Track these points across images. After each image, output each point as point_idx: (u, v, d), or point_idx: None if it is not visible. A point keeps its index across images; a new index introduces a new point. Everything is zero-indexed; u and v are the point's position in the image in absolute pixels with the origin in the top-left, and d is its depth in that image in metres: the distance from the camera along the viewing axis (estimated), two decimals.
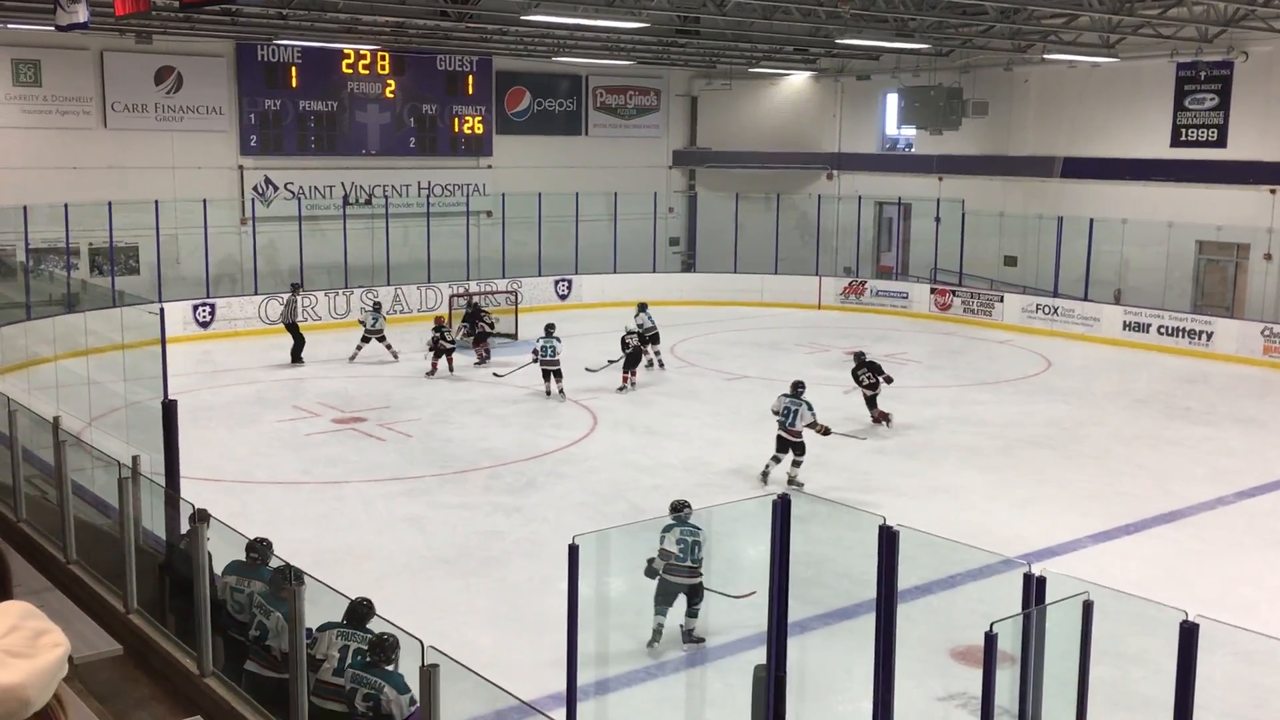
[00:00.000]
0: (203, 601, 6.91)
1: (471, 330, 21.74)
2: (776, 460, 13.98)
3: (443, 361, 20.36)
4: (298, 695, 5.98)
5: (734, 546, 11.45)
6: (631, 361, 19.40)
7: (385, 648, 6.54)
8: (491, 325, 22.17)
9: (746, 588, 9.96)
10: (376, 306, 21.96)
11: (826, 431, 14.13)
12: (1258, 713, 8.62)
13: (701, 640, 9.56)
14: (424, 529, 12.53)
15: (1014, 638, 4.96)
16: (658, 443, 16.02)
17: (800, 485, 13.77)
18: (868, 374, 17.03)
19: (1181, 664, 4.42)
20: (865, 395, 16.99)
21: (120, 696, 6.74)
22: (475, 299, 23.52)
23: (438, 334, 20.44)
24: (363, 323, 21.77)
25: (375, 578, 10.83)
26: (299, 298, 21.99)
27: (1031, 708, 5.07)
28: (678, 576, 9.40)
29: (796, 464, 13.87)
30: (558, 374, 18.63)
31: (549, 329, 18.99)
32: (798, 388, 14.31)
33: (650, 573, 9.38)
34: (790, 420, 13.77)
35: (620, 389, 19.15)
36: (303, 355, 21.12)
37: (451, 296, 24.55)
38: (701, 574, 9.43)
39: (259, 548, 7.77)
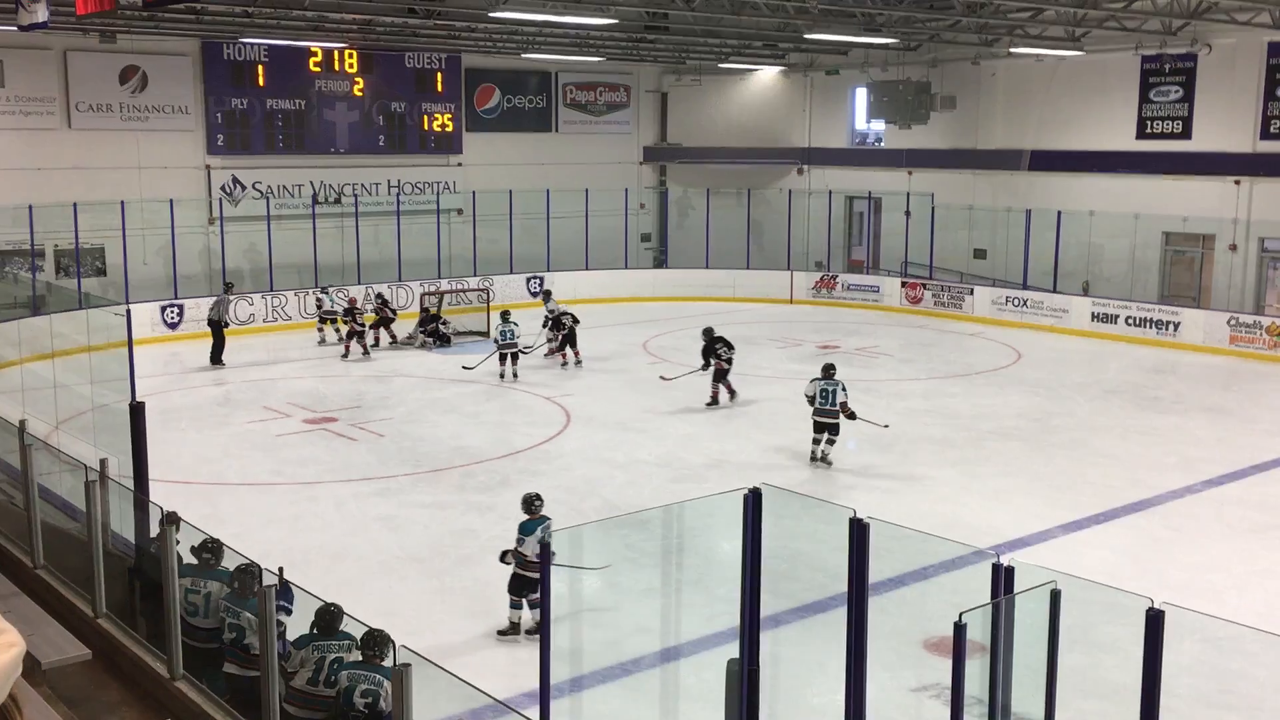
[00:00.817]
0: (173, 605, 6.87)
1: (378, 318, 22.74)
2: (817, 441, 14.69)
3: (355, 344, 21.71)
4: (269, 694, 5.95)
5: (708, 541, 11.48)
6: (570, 340, 20.82)
7: (379, 643, 6.62)
8: (394, 314, 23.18)
9: (602, 561, 10.62)
10: (325, 289, 23.28)
11: (852, 416, 14.66)
12: (1225, 698, 8.71)
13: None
14: (397, 529, 12.48)
15: (984, 628, 5.00)
16: (631, 438, 16.02)
17: (829, 463, 14.59)
18: (724, 348, 18.04)
19: (1148, 651, 4.46)
20: (723, 368, 17.92)
21: (90, 701, 6.69)
22: (381, 293, 24.29)
23: (349, 317, 21.88)
24: (319, 303, 23.15)
25: (348, 578, 10.78)
26: (232, 298, 21.95)
27: (1001, 697, 5.10)
28: (529, 573, 9.46)
29: (831, 442, 14.65)
30: (514, 356, 19.84)
31: (505, 315, 20.28)
32: (830, 370, 15.04)
33: (506, 562, 9.71)
34: (829, 400, 14.55)
35: (564, 365, 20.78)
36: (223, 358, 20.74)
37: (423, 295, 24.47)
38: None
39: (211, 548, 7.74)
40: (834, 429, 14.58)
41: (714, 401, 17.87)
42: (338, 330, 22.56)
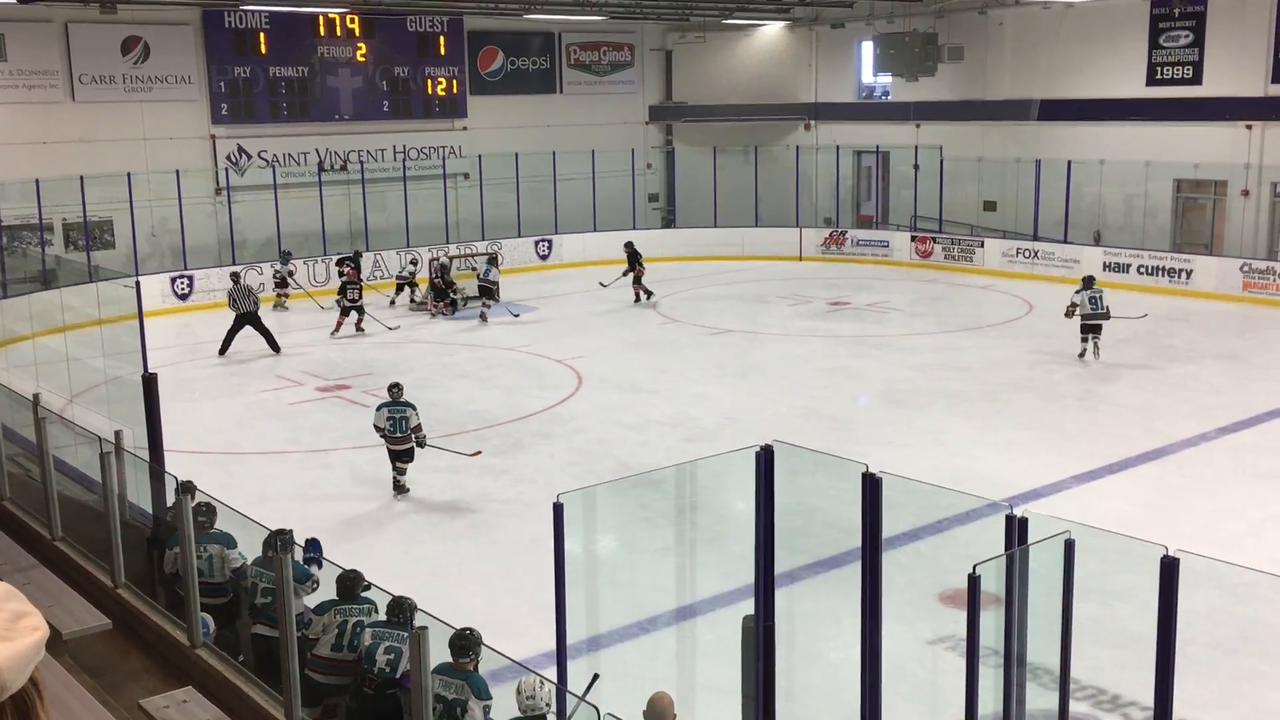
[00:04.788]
0: (191, 573, 6.91)
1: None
2: (1086, 341, 17.41)
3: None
4: (288, 659, 6.00)
5: (722, 499, 11.50)
6: (438, 295, 22.59)
7: (404, 609, 6.74)
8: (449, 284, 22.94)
9: (473, 446, 13.21)
10: (286, 254, 23.98)
11: (1108, 315, 17.33)
12: (1241, 644, 8.73)
13: (406, 490, 12.33)
14: (412, 494, 12.53)
15: (998, 579, 5.00)
16: (643, 399, 16.03)
17: (1099, 358, 17.36)
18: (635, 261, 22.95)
19: (1163, 599, 4.46)
20: (638, 273, 22.82)
21: (112, 670, 6.74)
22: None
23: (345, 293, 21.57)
24: (282, 272, 23.54)
25: (365, 543, 10.85)
26: (246, 283, 20.12)
27: (1017, 647, 5.11)
28: (393, 445, 12.23)
29: (1097, 342, 17.36)
30: (488, 291, 21.82)
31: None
32: (1090, 281, 17.67)
33: (381, 436, 12.28)
34: (1098, 306, 17.25)
35: (433, 315, 22.24)
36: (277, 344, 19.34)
37: (431, 260, 24.43)
38: (405, 445, 12.15)
39: (205, 511, 7.94)
40: (1099, 330, 17.29)
41: (637, 299, 22.91)
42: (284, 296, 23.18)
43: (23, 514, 8.90)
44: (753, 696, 6.22)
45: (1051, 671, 5.59)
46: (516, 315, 21.93)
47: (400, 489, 12.38)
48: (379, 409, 12.29)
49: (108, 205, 23.42)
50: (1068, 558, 5.00)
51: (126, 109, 24.30)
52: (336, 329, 20.56)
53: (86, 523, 8.48)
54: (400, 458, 12.30)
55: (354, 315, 20.63)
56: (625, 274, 23.23)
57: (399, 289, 23.45)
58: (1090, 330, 17.42)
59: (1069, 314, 17.52)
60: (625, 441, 14.12)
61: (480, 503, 12.24)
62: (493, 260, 22.75)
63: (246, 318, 19.19)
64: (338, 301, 20.86)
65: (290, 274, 23.63)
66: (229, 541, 7.90)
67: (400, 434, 12.12)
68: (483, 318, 21.60)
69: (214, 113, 25.45)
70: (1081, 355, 17.57)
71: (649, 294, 23.01)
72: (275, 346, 19.30)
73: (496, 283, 22.21)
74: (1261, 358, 17.93)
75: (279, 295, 23.27)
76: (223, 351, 19.17)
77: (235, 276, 20.56)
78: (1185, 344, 18.92)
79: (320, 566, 7.67)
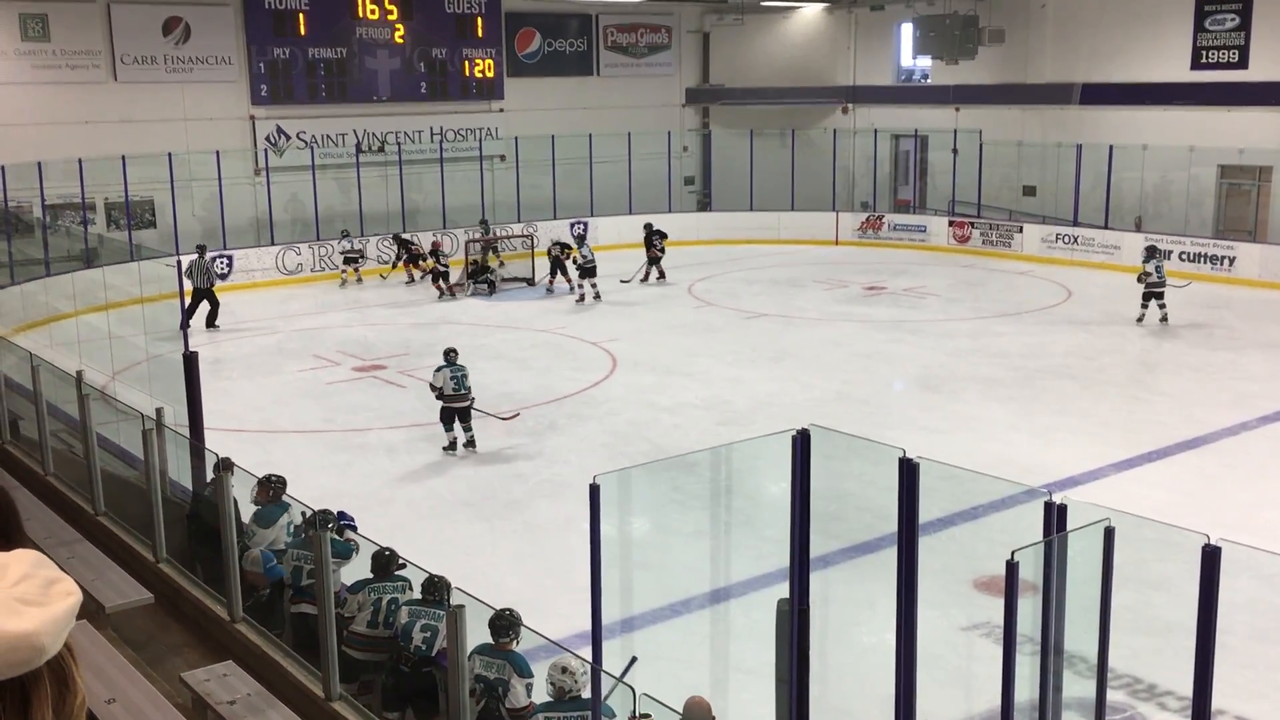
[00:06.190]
0: (230, 549, 7.00)
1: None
2: (1146, 306, 18.60)
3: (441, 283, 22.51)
4: (326, 634, 6.07)
5: (756, 483, 11.50)
6: (555, 268, 22.68)
7: (439, 588, 6.80)
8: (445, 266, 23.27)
9: (511, 410, 14.01)
10: (345, 233, 24.51)
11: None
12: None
13: (474, 447, 12.99)
14: (446, 474, 12.62)
15: (1035, 566, 4.97)
16: (677, 382, 16.03)
17: (1168, 322, 18.57)
18: (659, 238, 23.36)
19: (1204, 588, 4.42)
20: (655, 255, 23.23)
21: (153, 644, 6.86)
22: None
23: (433, 256, 22.83)
24: (346, 247, 24.19)
25: (400, 523, 10.93)
26: (210, 256, 20.79)
27: (1054, 634, 5.09)
28: (452, 404, 12.87)
29: (1163, 307, 18.53)
30: (592, 270, 21.67)
31: (580, 239, 22.63)
32: (1154, 251, 19.10)
33: (438, 397, 12.91)
34: (1162, 274, 18.46)
35: (549, 291, 22.69)
36: (217, 321, 19.90)
37: (467, 243, 24.51)
38: (467, 401, 12.90)
39: (278, 480, 8.21)
40: (1161, 295, 18.43)
41: (645, 278, 23.13)
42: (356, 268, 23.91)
43: (66, 489, 9.04)
44: (786, 680, 6.23)
45: (1088, 660, 5.56)
46: (627, 281, 22.70)
47: (470, 444, 13.01)
48: (438, 370, 12.94)
49: (149, 185, 23.64)
50: (1107, 546, 4.96)
51: (167, 89, 24.50)
52: (446, 291, 22.36)
53: (128, 498, 8.62)
54: (464, 416, 12.97)
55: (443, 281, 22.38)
56: (652, 262, 23.39)
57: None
58: (1151, 296, 18.53)
59: (1141, 280, 18.69)
60: (659, 424, 14.14)
61: (514, 483, 12.30)
62: (581, 240, 22.70)
63: (204, 293, 19.74)
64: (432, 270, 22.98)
65: (360, 252, 24.13)
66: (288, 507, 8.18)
67: (464, 390, 12.88)
68: (597, 296, 21.73)
69: (253, 93, 25.61)
70: (1140, 320, 18.63)
71: (660, 276, 23.43)
72: (215, 319, 19.80)
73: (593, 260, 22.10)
74: None
75: (355, 271, 23.98)
76: (209, 323, 19.55)
77: (201, 250, 20.48)
78: (1226, 331, 18.69)
79: (355, 529, 7.85)
